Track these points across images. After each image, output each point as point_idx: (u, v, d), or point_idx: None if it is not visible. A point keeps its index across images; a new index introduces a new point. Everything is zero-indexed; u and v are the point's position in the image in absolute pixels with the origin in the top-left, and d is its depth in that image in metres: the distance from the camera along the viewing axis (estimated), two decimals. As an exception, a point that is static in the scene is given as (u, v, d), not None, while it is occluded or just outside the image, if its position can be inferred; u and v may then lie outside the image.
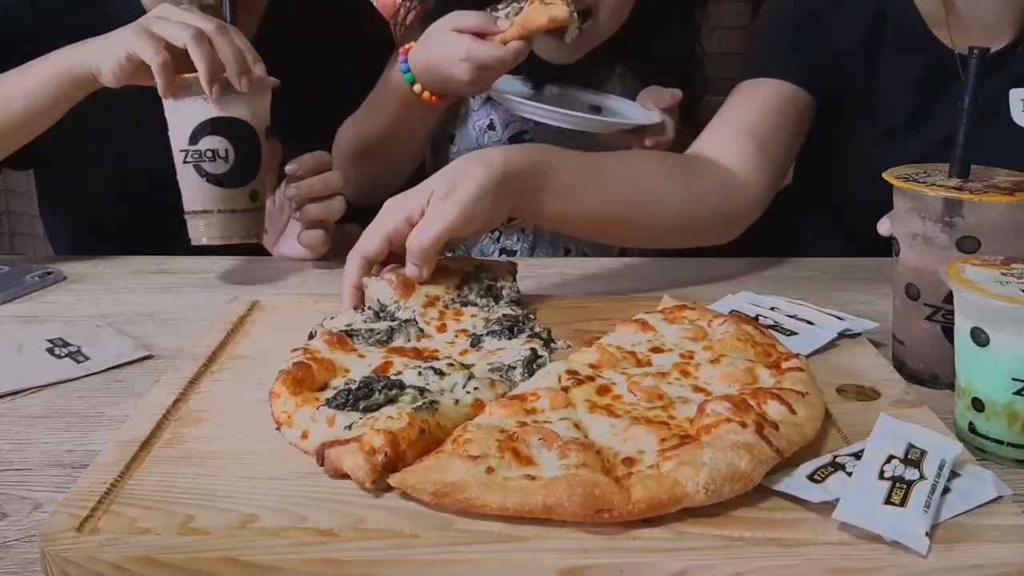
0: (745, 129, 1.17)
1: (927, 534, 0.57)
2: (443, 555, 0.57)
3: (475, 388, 0.73)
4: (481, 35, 1.11)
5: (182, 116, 1.06)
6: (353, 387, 0.71)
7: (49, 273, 1.09)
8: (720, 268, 1.17)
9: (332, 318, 0.87)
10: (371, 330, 0.85)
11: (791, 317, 0.91)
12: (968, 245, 0.79)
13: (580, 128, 1.23)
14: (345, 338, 0.82)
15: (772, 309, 0.94)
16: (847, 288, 1.09)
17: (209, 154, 1.05)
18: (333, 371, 0.77)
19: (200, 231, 1.07)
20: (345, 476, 0.64)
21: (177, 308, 1.03)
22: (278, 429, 0.71)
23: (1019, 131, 1.15)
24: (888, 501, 0.59)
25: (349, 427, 0.67)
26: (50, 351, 0.88)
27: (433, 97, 1.20)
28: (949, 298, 0.78)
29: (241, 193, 1.07)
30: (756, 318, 0.89)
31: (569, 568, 0.56)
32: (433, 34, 1.14)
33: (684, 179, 1.10)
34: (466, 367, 0.77)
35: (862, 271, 1.14)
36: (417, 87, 1.19)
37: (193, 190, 1.07)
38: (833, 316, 0.91)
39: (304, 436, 0.69)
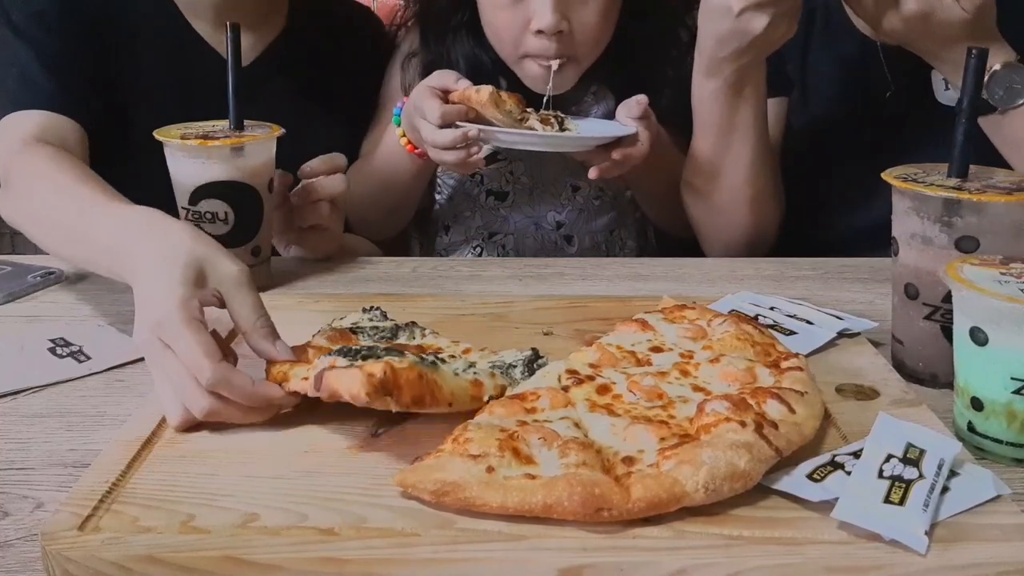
0: None
1: (926, 533, 0.57)
2: (443, 554, 0.57)
3: (475, 373, 0.73)
4: (446, 93, 1.16)
5: (182, 174, 1.05)
6: (356, 348, 0.73)
7: (51, 273, 1.09)
8: (720, 268, 1.17)
9: (342, 319, 0.87)
10: (376, 327, 0.85)
11: (790, 317, 0.92)
12: (967, 245, 0.79)
13: (552, 148, 1.21)
14: (349, 334, 0.83)
15: (772, 309, 0.94)
16: (846, 288, 1.09)
17: (209, 216, 1.04)
18: None
19: None
20: (340, 402, 0.66)
21: (178, 308, 1.03)
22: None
23: (947, 111, 1.17)
24: (887, 500, 0.59)
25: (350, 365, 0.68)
26: (52, 351, 0.89)
27: (409, 145, 1.24)
28: (948, 297, 0.78)
29: (242, 252, 1.06)
30: (756, 318, 0.89)
31: (569, 567, 0.56)
32: (417, 88, 1.19)
33: None
34: (469, 364, 0.78)
35: (861, 271, 1.14)
36: (399, 131, 1.25)
37: None
38: (832, 316, 0.91)
39: (305, 379, 0.70)
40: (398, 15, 1.42)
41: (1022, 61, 1.02)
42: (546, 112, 1.21)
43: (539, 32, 1.19)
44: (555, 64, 1.22)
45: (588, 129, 1.23)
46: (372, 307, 0.89)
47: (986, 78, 0.99)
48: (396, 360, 0.67)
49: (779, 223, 1.28)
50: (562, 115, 1.21)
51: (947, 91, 1.18)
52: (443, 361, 0.74)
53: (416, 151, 1.23)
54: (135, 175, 1.02)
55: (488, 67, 1.31)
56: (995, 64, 1.00)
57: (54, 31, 1.19)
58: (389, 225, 1.41)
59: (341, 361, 0.71)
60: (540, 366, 0.78)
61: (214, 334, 0.74)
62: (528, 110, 1.18)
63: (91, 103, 1.19)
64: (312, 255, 1.19)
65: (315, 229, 1.16)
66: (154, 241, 0.79)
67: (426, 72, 1.33)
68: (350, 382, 0.65)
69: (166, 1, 1.26)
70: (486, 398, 0.72)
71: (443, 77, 1.16)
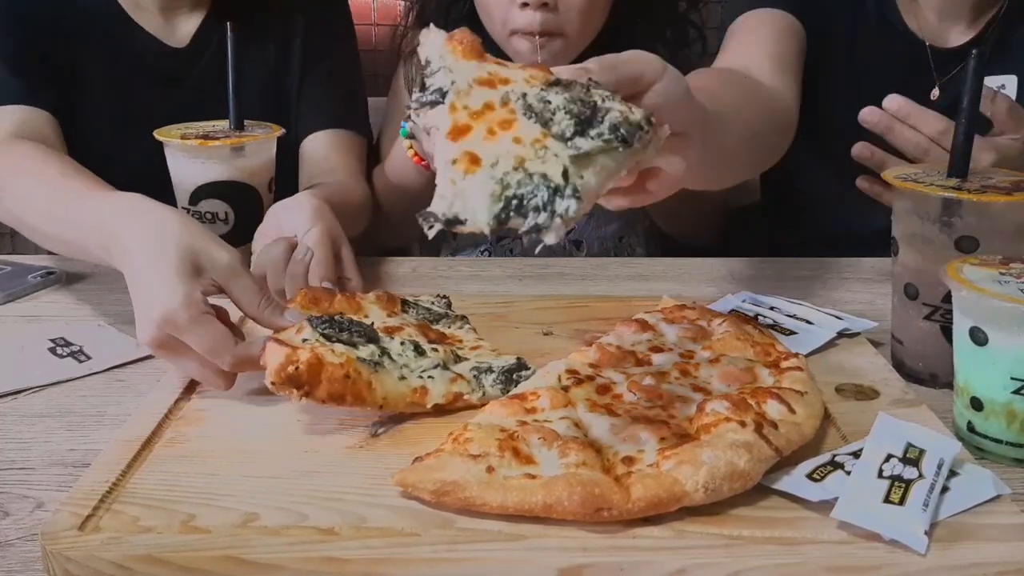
0: (765, 53, 1.18)
1: (926, 533, 0.57)
2: (443, 554, 0.57)
3: (429, 377, 0.75)
4: None
5: (183, 174, 1.05)
6: (338, 319, 0.78)
7: (51, 273, 1.09)
8: (720, 268, 1.17)
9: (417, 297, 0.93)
10: (427, 309, 0.90)
11: (790, 317, 0.92)
12: (967, 245, 0.79)
13: None
14: (396, 300, 0.87)
15: (772, 309, 0.94)
16: (846, 288, 1.09)
17: (209, 216, 1.04)
18: (355, 311, 0.83)
19: None
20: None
21: (178, 308, 1.03)
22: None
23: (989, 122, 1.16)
24: (887, 500, 0.59)
25: (305, 340, 0.74)
26: (52, 351, 0.89)
27: (415, 157, 1.23)
28: (948, 297, 0.78)
29: (243, 252, 1.04)
30: (755, 318, 0.89)
31: (569, 567, 0.56)
32: None
33: (754, 94, 1.06)
34: (458, 358, 0.80)
35: (861, 271, 1.14)
36: (406, 143, 1.23)
37: None
38: (832, 316, 0.91)
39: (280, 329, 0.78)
40: (402, 21, 1.42)
41: None
42: None
43: (524, 5, 1.20)
44: (540, 40, 1.21)
45: None
46: (443, 296, 0.95)
47: None
48: (338, 352, 0.72)
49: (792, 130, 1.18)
50: None
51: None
52: (420, 354, 0.78)
53: (422, 163, 1.23)
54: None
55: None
56: None
57: (6, 31, 1.19)
58: (403, 232, 1.41)
59: (306, 331, 0.75)
60: (521, 377, 0.78)
61: (220, 313, 0.77)
62: None
63: (54, 97, 1.19)
64: None
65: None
66: (141, 227, 0.80)
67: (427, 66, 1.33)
68: (272, 361, 0.70)
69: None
70: (429, 405, 0.74)
71: None
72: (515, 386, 0.77)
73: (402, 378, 0.74)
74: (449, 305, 0.93)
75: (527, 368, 0.80)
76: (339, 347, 0.73)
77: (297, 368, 0.69)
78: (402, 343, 0.78)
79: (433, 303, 0.93)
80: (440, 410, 0.75)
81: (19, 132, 1.12)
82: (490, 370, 0.79)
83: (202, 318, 0.74)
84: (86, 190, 0.92)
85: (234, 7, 1.26)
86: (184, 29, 1.27)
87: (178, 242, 0.77)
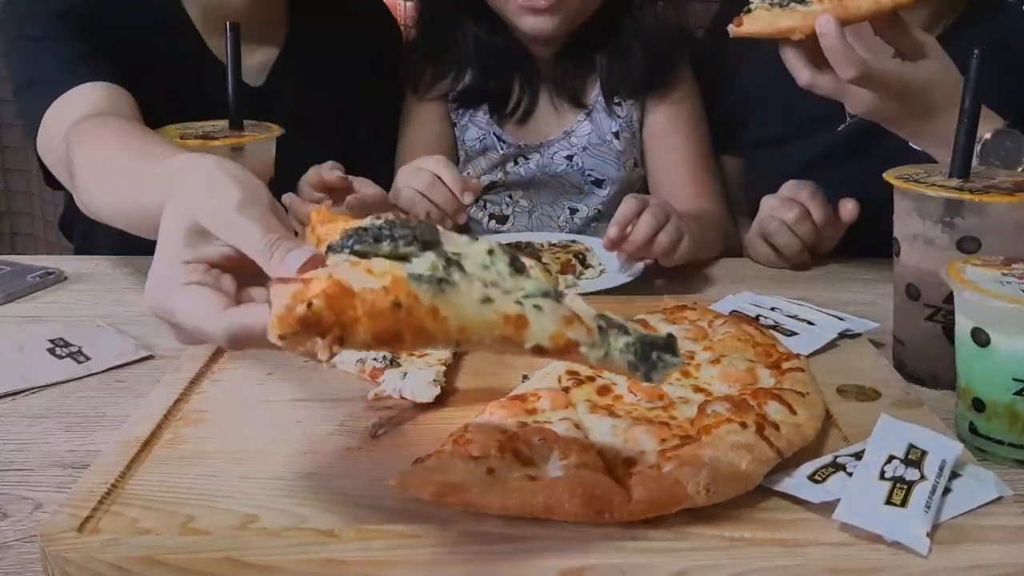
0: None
1: (928, 534, 0.57)
2: (444, 555, 0.57)
3: (535, 306, 0.50)
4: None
5: None
6: (375, 225, 0.53)
7: (50, 273, 1.09)
8: (720, 268, 1.17)
9: None
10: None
11: (791, 317, 0.91)
12: (968, 245, 0.79)
13: None
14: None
15: (772, 309, 0.94)
16: (848, 288, 1.09)
17: None
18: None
19: None
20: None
21: (178, 308, 1.02)
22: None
23: None
24: (889, 501, 0.59)
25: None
26: (51, 351, 0.88)
27: None
28: (949, 298, 0.78)
29: None
30: (756, 318, 0.89)
31: (570, 568, 0.56)
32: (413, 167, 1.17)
33: None
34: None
35: (862, 271, 1.14)
36: None
37: None
38: (834, 316, 0.91)
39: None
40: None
41: (1011, 126, 0.97)
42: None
43: None
44: (543, 3, 1.23)
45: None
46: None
47: (978, 147, 0.91)
48: (377, 270, 0.49)
49: None
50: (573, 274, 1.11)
51: None
52: (520, 271, 0.53)
53: None
54: None
55: (497, 50, 1.34)
56: (984, 133, 0.93)
57: (76, 31, 1.16)
58: None
59: (331, 259, 0.52)
60: (663, 359, 0.56)
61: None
62: None
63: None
64: None
65: None
66: (174, 189, 0.66)
67: (429, 49, 1.37)
68: (276, 306, 0.47)
69: (182, 18, 1.25)
70: (528, 345, 0.50)
71: (440, 169, 1.15)
72: (647, 365, 0.55)
73: (487, 300, 0.49)
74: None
75: (675, 353, 0.56)
76: (378, 262, 0.49)
77: (311, 305, 0.46)
78: (490, 252, 0.54)
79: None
80: (540, 354, 0.51)
81: (97, 111, 1.05)
82: (623, 331, 0.54)
83: (178, 291, 0.60)
84: (150, 164, 0.77)
85: (309, 44, 1.30)
86: (252, 60, 1.26)
87: (180, 208, 0.63)
